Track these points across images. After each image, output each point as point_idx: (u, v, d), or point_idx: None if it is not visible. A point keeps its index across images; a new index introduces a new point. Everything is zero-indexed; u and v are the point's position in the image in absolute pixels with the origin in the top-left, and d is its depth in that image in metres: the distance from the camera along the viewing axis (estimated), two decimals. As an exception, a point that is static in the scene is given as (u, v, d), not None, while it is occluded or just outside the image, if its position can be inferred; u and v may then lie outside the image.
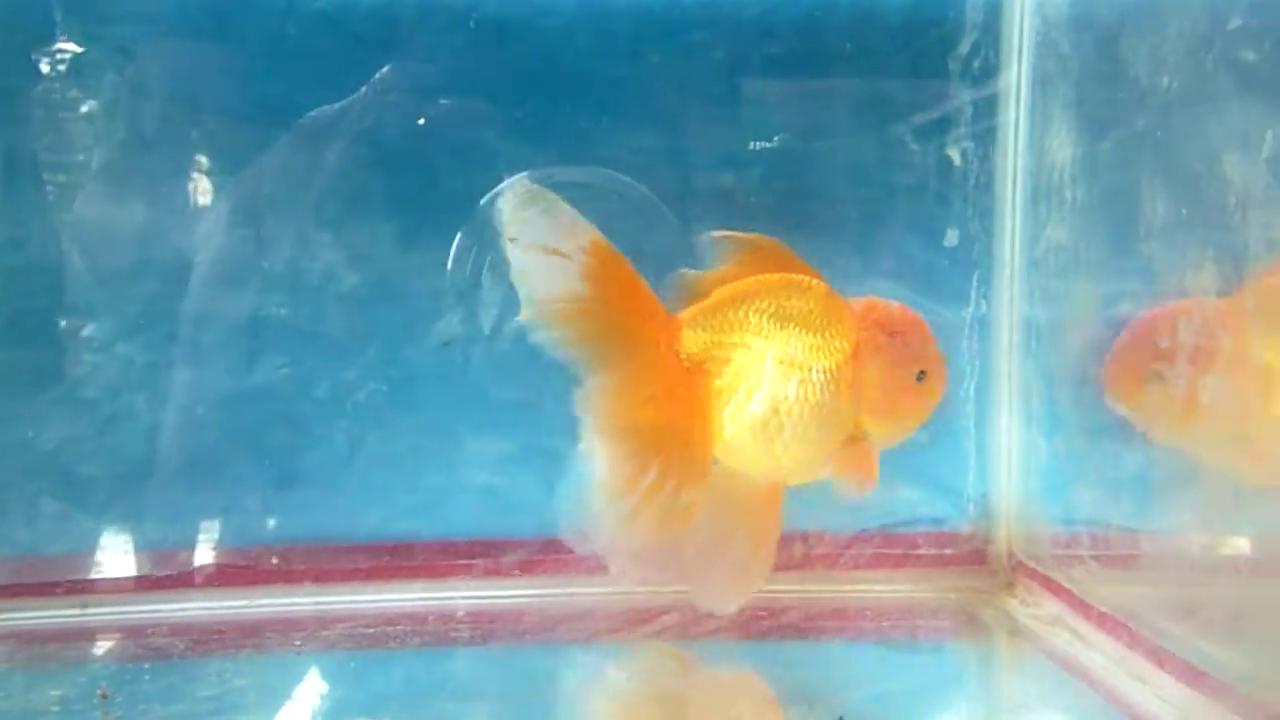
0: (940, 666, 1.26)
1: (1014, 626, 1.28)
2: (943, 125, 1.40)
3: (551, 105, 1.39)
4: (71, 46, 1.35)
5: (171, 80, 1.36)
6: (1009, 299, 1.39)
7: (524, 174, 1.13)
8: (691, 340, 1.06)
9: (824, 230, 1.43)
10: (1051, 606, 1.26)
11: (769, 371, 1.05)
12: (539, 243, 0.99)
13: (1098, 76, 1.21)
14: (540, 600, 1.36)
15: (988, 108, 1.39)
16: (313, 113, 1.36)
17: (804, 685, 1.14)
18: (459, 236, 1.37)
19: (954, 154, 1.40)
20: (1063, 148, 1.25)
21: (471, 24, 1.39)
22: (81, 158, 1.36)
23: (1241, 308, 0.82)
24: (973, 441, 1.44)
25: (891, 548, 1.43)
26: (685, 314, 1.08)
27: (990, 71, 1.39)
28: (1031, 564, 1.34)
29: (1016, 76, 1.36)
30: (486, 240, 1.36)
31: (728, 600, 1.14)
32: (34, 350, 1.36)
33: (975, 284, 1.41)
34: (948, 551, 1.43)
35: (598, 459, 1.03)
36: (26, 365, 1.35)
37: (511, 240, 0.99)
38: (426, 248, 1.39)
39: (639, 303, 1.05)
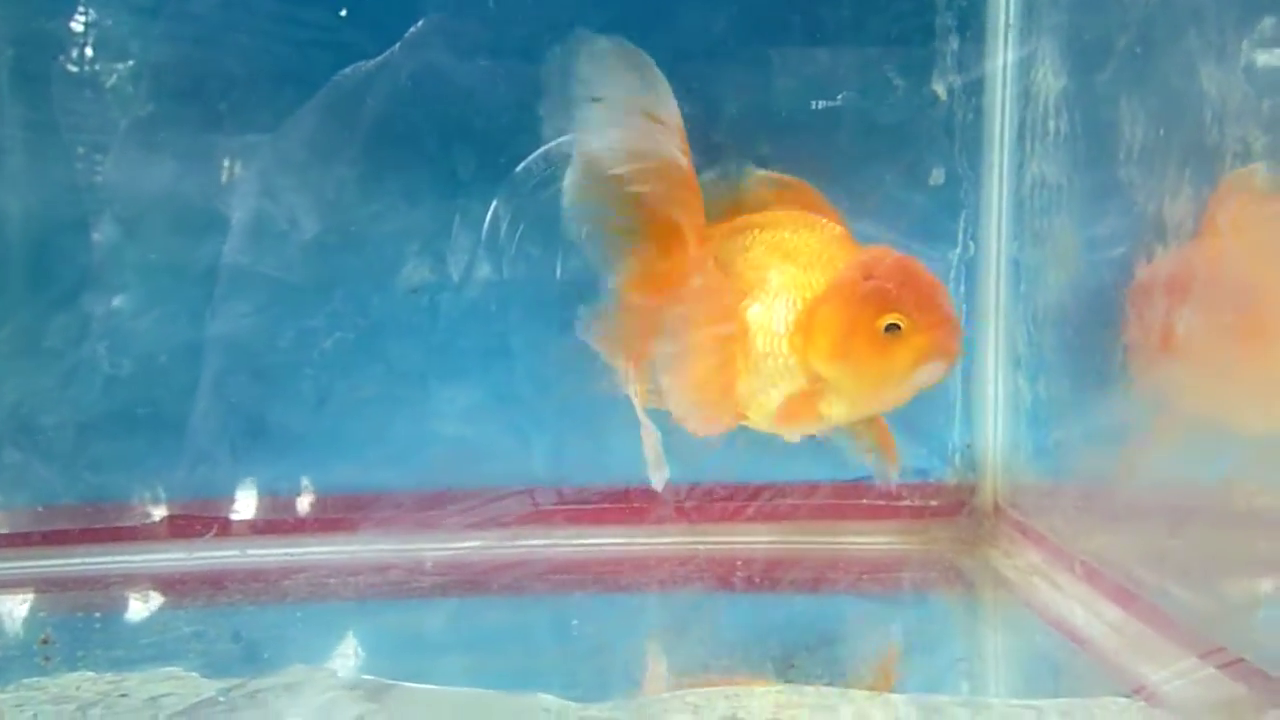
0: (921, 618, 1.22)
1: (996, 578, 1.24)
2: (928, 60, 1.33)
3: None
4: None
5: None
6: (996, 240, 1.33)
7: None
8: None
9: (805, 169, 1.37)
10: (1032, 556, 1.22)
11: (746, 297, 1.02)
12: (638, 105, 0.94)
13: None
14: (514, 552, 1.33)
15: (975, 41, 1.32)
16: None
17: (780, 637, 1.10)
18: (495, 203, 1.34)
19: (940, 89, 1.33)
20: (1050, 78, 1.18)
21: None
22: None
23: (1214, 228, 0.76)
24: (959, 389, 1.39)
25: (874, 499, 1.39)
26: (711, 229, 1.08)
27: (977, 3, 1.32)
28: (1014, 514, 1.29)
29: (1005, 5, 1.29)
30: (520, 206, 1.34)
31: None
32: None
33: (962, 225, 1.35)
34: (933, 503, 1.39)
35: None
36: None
37: (598, 99, 0.94)
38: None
39: (695, 198, 1.04)
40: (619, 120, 0.96)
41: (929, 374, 0.98)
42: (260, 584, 1.22)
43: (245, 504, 1.35)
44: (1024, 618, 1.15)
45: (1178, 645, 0.89)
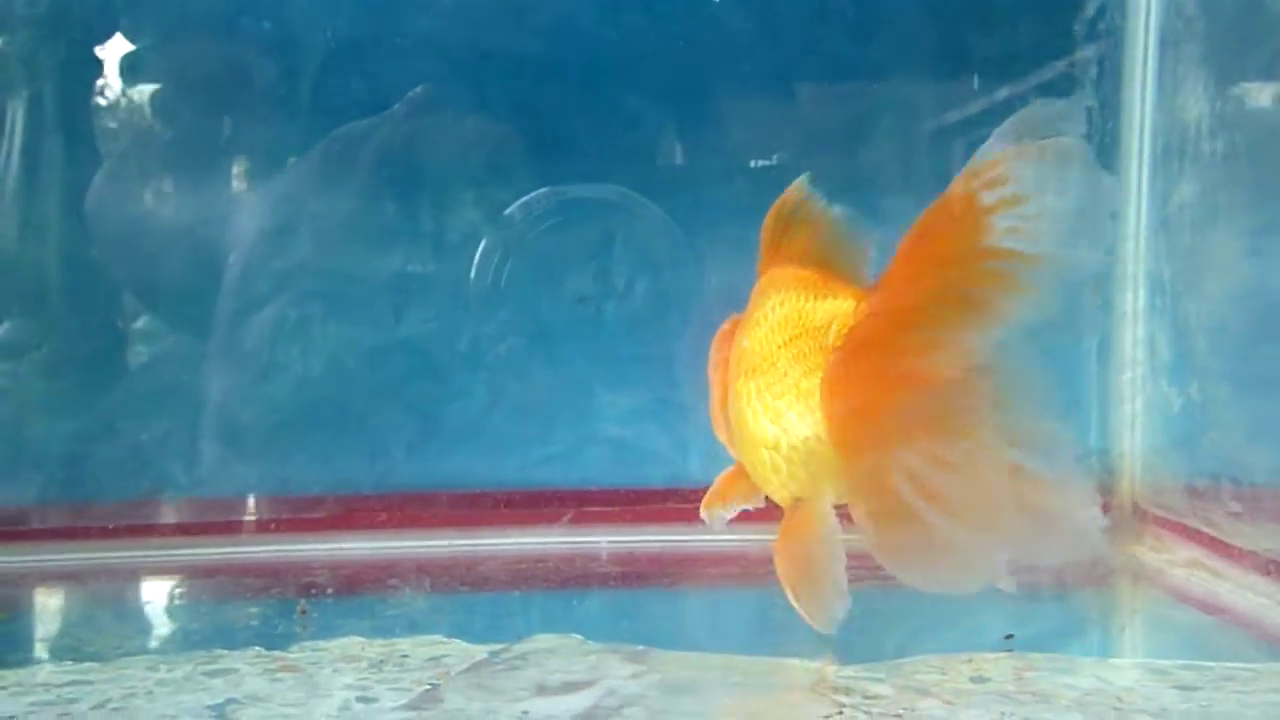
0: (1067, 613, 1.28)
1: (1142, 571, 1.31)
2: (1068, 86, 1.43)
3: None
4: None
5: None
6: (1134, 255, 1.42)
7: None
8: None
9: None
10: (1185, 551, 1.29)
11: None
12: None
13: (1228, 30, 1.24)
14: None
15: (1113, 68, 1.42)
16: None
17: (924, 633, 1.16)
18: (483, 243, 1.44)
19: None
20: (1198, 101, 1.28)
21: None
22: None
23: None
24: (1094, 398, 1.47)
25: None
26: None
27: (1115, 32, 1.42)
28: (1159, 512, 1.37)
29: (1144, 36, 1.40)
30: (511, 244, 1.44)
31: None
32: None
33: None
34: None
35: None
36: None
37: None
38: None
39: None
40: None
41: None
42: (460, 569, 1.29)
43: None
44: (1172, 603, 1.22)
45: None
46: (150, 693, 0.87)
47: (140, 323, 1.40)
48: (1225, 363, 1.25)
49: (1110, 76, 1.43)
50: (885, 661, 0.94)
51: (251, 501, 1.39)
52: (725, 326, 1.12)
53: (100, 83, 1.41)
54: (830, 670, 0.91)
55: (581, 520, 1.41)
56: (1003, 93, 1.44)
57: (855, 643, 1.07)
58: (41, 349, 1.40)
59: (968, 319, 0.77)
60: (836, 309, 0.90)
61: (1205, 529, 1.26)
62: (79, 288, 1.41)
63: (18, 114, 1.38)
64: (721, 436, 1.13)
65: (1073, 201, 0.74)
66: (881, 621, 1.17)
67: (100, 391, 1.38)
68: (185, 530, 1.36)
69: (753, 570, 1.32)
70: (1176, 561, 1.29)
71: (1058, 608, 1.27)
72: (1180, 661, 0.95)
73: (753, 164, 1.48)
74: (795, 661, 0.94)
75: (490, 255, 1.44)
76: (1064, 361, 1.47)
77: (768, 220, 1.04)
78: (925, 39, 1.46)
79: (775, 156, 1.49)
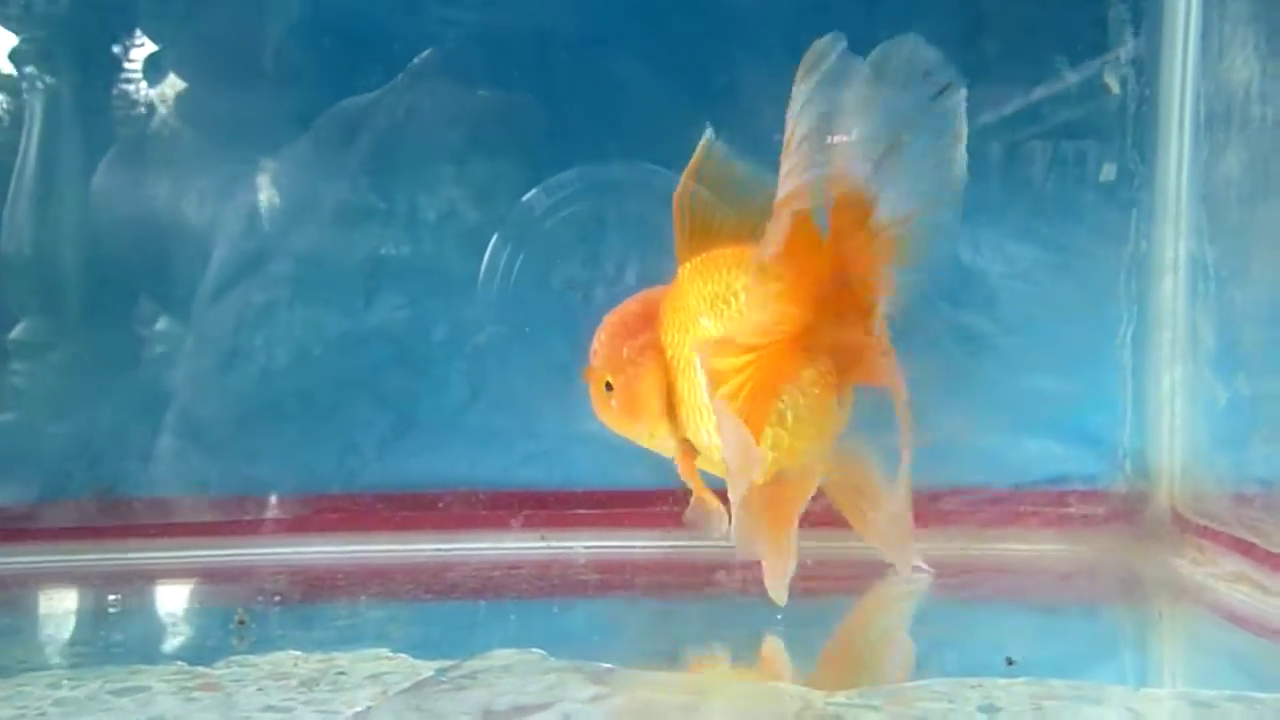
0: (1095, 632, 1.16)
1: (1180, 586, 1.18)
2: (1100, 52, 1.30)
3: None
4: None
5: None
6: (1173, 236, 1.29)
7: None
8: None
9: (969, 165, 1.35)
10: (1231, 564, 1.16)
11: None
12: None
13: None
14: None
15: (1152, 26, 1.29)
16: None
17: (938, 647, 1.04)
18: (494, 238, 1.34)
19: (1112, 82, 1.30)
20: (1246, 65, 1.15)
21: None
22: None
23: None
24: (1128, 391, 1.34)
25: (1035, 506, 1.33)
26: None
27: (1153, -8, 1.30)
28: (1201, 520, 1.23)
29: (1185, -4, 1.27)
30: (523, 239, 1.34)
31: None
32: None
33: (1134, 222, 1.31)
34: (1099, 510, 1.33)
35: None
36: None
37: None
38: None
39: None
40: None
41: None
42: (426, 576, 1.18)
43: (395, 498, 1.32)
44: (1216, 623, 1.09)
45: None
46: (43, 714, 0.77)
47: (87, 307, 1.30)
48: (1276, 354, 1.11)
49: (1148, 35, 1.29)
50: (882, 687, 0.82)
51: (209, 501, 1.29)
52: (631, 308, 1.05)
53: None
54: (818, 696, 0.80)
55: (562, 524, 1.31)
56: (1027, 55, 1.32)
57: (846, 665, 0.96)
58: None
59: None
60: None
61: (1253, 539, 1.12)
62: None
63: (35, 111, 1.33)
64: (649, 430, 1.05)
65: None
66: (876, 640, 1.06)
67: (43, 380, 1.30)
68: (133, 532, 1.26)
69: (741, 581, 1.20)
70: (1221, 576, 1.15)
71: (1083, 626, 1.14)
72: (1226, 692, 0.82)
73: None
74: (779, 685, 0.82)
75: (500, 252, 1.35)
76: (1094, 355, 1.35)
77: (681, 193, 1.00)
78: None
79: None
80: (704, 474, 1.06)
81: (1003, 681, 0.84)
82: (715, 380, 0.88)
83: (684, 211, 1.00)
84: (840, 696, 0.80)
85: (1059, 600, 1.22)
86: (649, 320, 1.03)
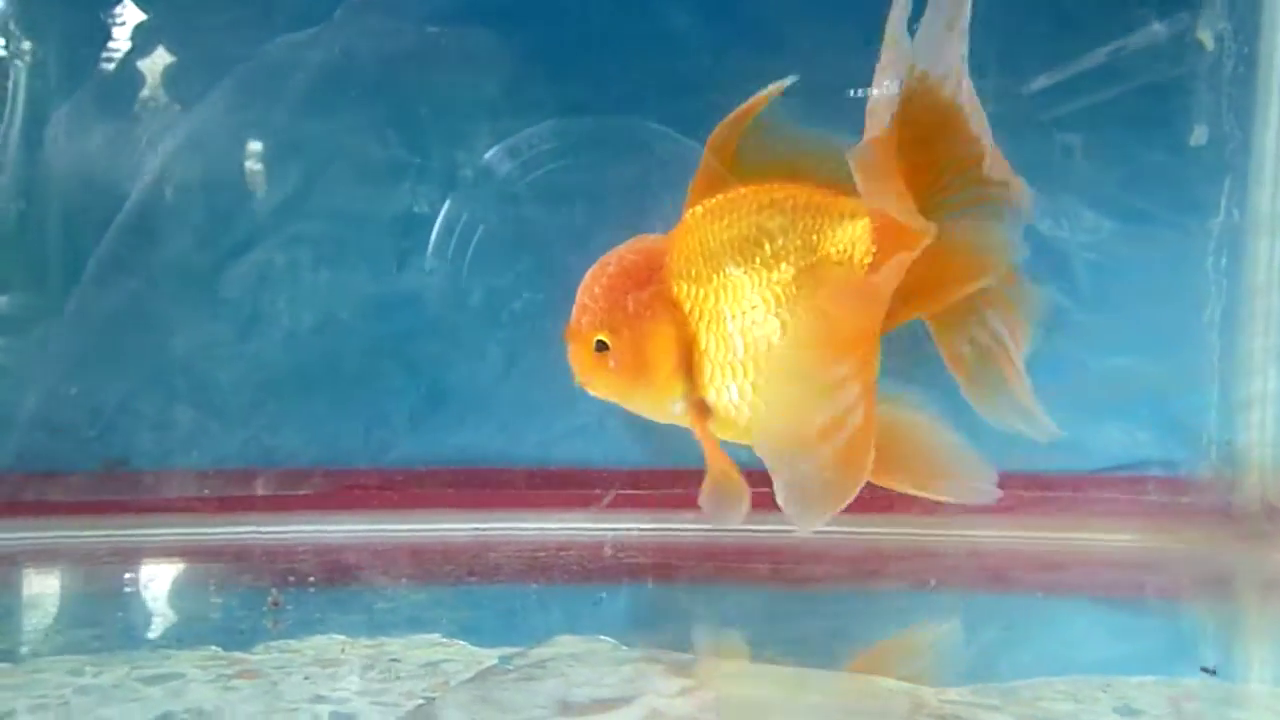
0: (1181, 625, 1.08)
1: (1273, 579, 1.10)
2: (1193, 4, 1.22)
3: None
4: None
5: None
6: (1270, 206, 1.20)
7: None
8: None
9: (1040, 128, 1.26)
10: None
11: None
12: None
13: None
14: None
15: (1252, -17, 1.21)
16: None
17: (1005, 641, 0.97)
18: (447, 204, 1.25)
19: (1206, 38, 1.22)
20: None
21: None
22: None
23: None
24: (1215, 375, 1.26)
25: (1115, 493, 1.25)
26: None
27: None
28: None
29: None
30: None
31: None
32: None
33: (1227, 190, 1.23)
34: (1183, 500, 1.25)
35: None
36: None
37: None
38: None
39: None
40: None
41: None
42: (467, 557, 1.10)
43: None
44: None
45: None
46: (65, 703, 0.68)
47: (96, 270, 1.20)
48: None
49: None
50: (999, 684, 0.74)
51: (230, 475, 1.20)
52: (628, 257, 0.92)
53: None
54: (929, 692, 0.71)
55: (610, 504, 1.22)
56: (1111, 4, 1.23)
57: (958, 657, 0.87)
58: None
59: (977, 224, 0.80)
60: (853, 233, 0.85)
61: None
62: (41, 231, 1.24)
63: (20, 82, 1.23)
64: (660, 393, 0.91)
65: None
66: (982, 632, 0.98)
67: (53, 347, 1.20)
68: (151, 508, 1.17)
69: (811, 566, 1.12)
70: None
71: (1168, 622, 1.07)
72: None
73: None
74: (885, 682, 0.74)
75: (454, 223, 1.24)
76: (1179, 334, 1.27)
77: (724, 130, 0.89)
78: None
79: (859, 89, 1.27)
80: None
81: (1134, 680, 0.76)
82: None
83: (721, 151, 0.89)
84: (953, 694, 0.71)
85: (1141, 593, 1.14)
86: (653, 270, 0.91)
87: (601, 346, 0.89)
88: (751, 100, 0.88)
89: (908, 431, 0.92)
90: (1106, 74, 1.24)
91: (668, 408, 0.92)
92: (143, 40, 1.25)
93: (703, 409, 0.90)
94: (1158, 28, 1.22)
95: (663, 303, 0.89)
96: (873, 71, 0.83)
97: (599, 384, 0.92)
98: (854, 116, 0.83)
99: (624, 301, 0.90)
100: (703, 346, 0.88)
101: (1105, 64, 1.23)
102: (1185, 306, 1.25)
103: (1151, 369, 1.27)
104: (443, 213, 1.25)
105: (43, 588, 1.06)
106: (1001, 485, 1.25)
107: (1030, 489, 1.25)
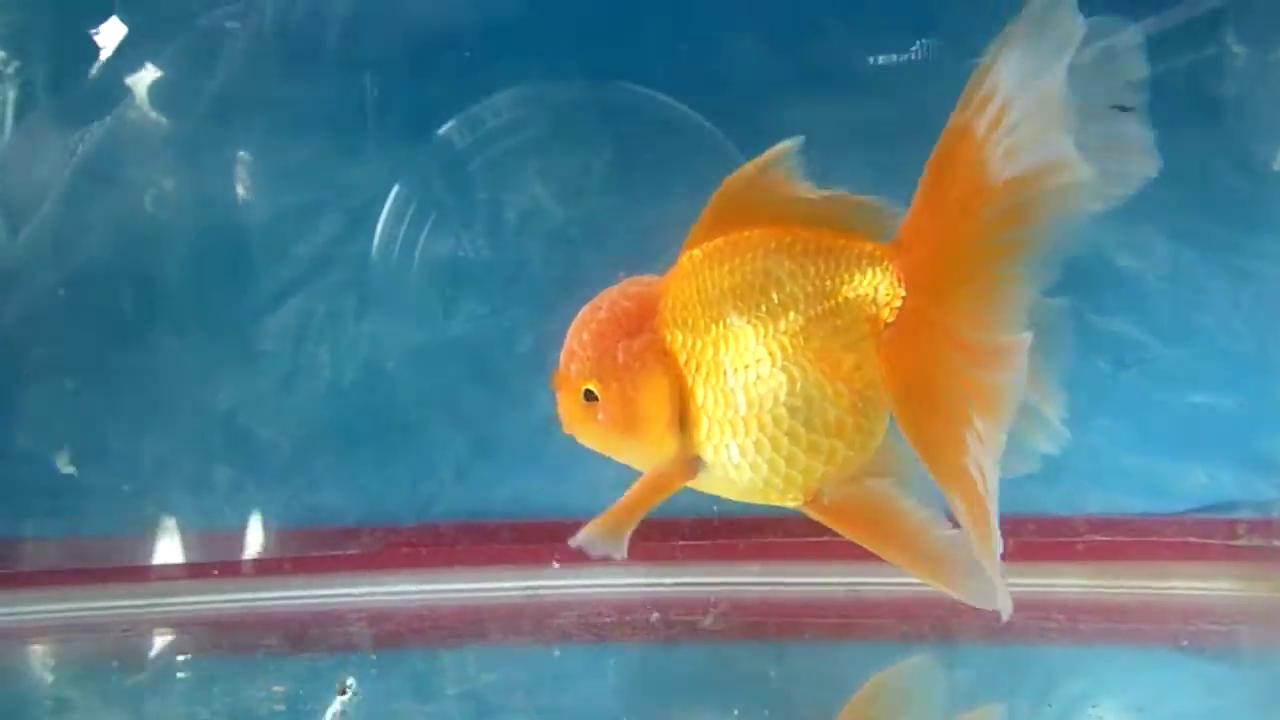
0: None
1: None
2: (1275, 24, 1.17)
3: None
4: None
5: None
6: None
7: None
8: None
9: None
10: None
11: None
12: None
13: None
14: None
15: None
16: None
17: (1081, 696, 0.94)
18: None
19: (1288, 59, 1.17)
20: None
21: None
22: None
23: None
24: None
25: (1202, 537, 1.20)
26: None
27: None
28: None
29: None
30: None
31: None
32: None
33: (1314, 216, 1.18)
34: (1275, 543, 1.20)
35: None
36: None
37: None
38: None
39: None
40: None
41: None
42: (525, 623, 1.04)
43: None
44: None
45: None
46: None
47: (133, 321, 1.16)
48: None
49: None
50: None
51: (272, 536, 1.16)
52: (619, 303, 0.86)
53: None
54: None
55: (669, 556, 1.16)
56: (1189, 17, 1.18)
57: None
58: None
59: (1010, 271, 0.70)
60: (876, 278, 0.80)
61: None
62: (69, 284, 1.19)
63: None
64: (653, 446, 0.86)
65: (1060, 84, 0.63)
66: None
67: (88, 402, 1.16)
68: (190, 573, 1.13)
69: (897, 623, 1.07)
70: None
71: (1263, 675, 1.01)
72: None
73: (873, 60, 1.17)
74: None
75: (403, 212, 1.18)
76: (1264, 367, 1.21)
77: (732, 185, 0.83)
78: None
79: (915, 48, 1.18)
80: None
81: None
82: None
83: (731, 196, 0.83)
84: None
85: (1233, 644, 1.09)
86: (645, 317, 0.85)
87: (590, 396, 0.84)
88: (764, 156, 0.81)
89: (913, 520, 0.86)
90: (1183, 89, 1.19)
91: (652, 462, 0.86)
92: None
93: (695, 468, 0.84)
94: (1238, 50, 1.17)
95: (654, 353, 0.84)
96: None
97: (588, 435, 0.87)
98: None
99: (614, 350, 0.84)
100: (699, 401, 0.82)
101: (1181, 78, 1.19)
102: (1272, 340, 1.21)
103: (1237, 406, 1.22)
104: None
105: (70, 665, 1.01)
106: (1076, 530, 1.23)
107: (1112, 533, 1.20)
